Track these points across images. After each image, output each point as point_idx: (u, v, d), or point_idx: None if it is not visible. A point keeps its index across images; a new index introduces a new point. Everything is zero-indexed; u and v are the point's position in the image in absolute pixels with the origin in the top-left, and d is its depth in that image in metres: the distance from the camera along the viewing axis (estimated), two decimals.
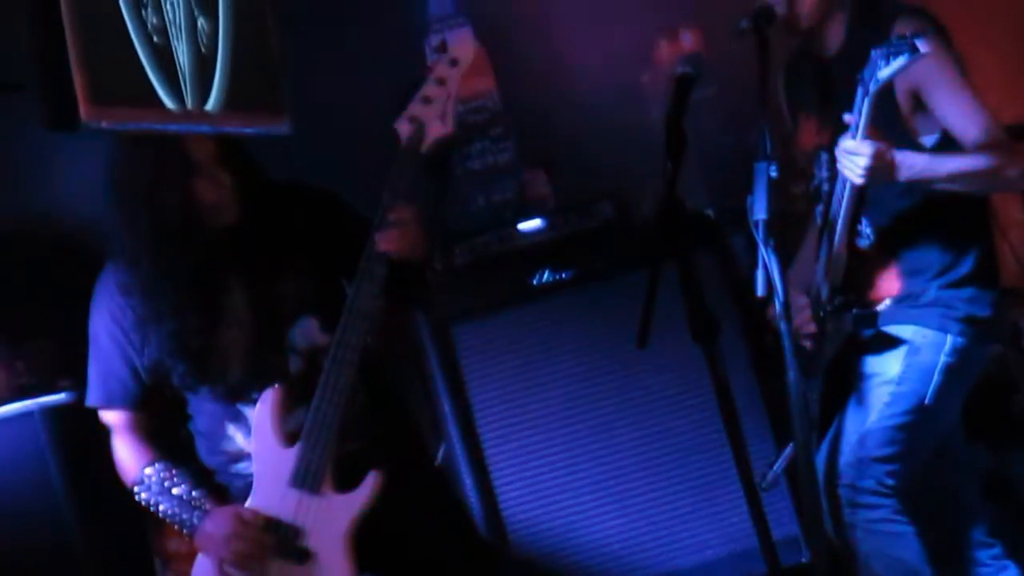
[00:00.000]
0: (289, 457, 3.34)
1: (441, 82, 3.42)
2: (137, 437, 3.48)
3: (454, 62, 3.45)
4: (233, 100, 3.49)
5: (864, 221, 3.56)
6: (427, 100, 3.41)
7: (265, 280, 3.42)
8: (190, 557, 3.48)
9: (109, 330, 3.44)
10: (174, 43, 3.32)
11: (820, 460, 3.64)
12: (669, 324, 3.34)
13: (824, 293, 3.63)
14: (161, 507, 3.41)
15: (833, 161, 3.43)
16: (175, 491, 3.41)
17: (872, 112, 3.27)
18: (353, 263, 3.34)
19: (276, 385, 3.39)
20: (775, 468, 4.07)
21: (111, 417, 3.51)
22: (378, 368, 3.53)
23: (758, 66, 3.40)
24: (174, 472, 3.43)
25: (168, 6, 3.32)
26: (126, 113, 3.13)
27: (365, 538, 3.33)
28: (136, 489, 3.45)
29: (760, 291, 3.27)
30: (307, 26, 4.74)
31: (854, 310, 3.59)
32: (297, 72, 3.78)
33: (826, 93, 3.62)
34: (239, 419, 3.44)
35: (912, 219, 3.54)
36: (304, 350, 3.43)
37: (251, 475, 3.41)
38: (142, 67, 3.19)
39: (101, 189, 3.38)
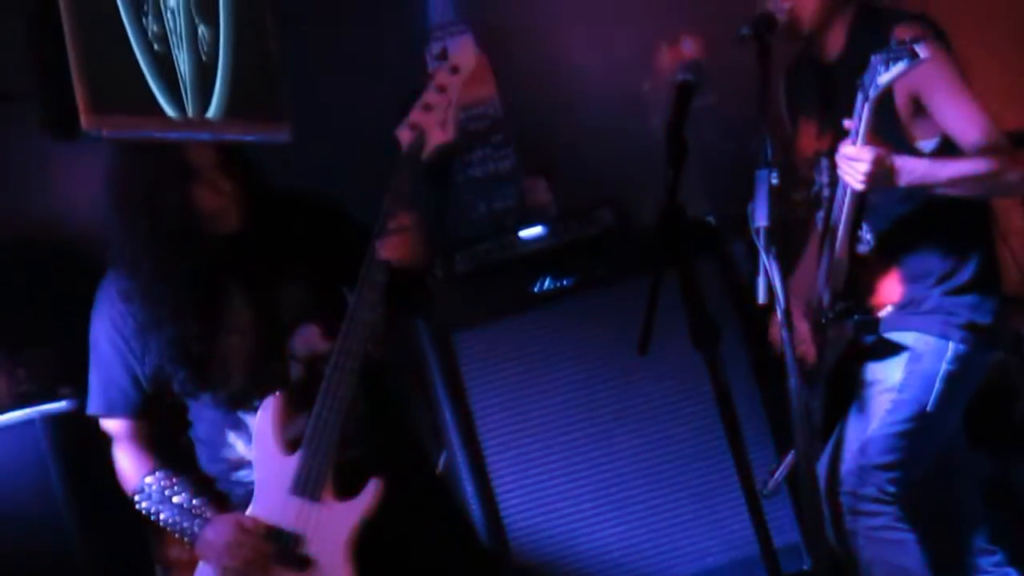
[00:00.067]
0: (290, 465, 3.34)
1: (442, 89, 3.42)
2: (138, 446, 3.48)
3: (455, 69, 3.45)
4: (234, 108, 3.50)
5: (865, 227, 3.55)
6: (428, 107, 3.41)
7: (266, 287, 3.42)
8: (191, 565, 3.48)
9: (110, 338, 3.44)
10: (175, 51, 3.32)
11: (821, 467, 3.64)
12: (670, 331, 3.33)
13: (825, 299, 3.62)
14: (162, 516, 3.41)
15: (833, 167, 3.43)
16: (176, 499, 3.41)
17: (872, 117, 3.27)
18: (354, 271, 3.34)
19: (277, 392, 3.39)
20: (776, 475, 4.07)
21: (112, 425, 3.51)
22: (379, 375, 3.53)
23: (759, 73, 3.40)
24: (175, 480, 3.43)
25: (169, 14, 3.33)
26: (127, 121, 3.14)
27: (366, 546, 3.33)
28: (137, 498, 3.45)
29: (761, 298, 3.27)
30: (307, 34, 4.74)
31: (855, 316, 3.59)
32: (297, 79, 3.78)
33: (826, 99, 3.62)
34: (240, 427, 3.43)
35: (913, 224, 3.54)
36: (305, 357, 3.43)
37: (252, 483, 3.41)
38: (143, 75, 3.19)
39: (101, 196, 3.38)
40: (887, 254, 3.58)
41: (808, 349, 3.67)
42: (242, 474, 3.45)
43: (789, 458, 3.99)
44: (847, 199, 3.45)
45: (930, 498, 3.66)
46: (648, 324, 3.23)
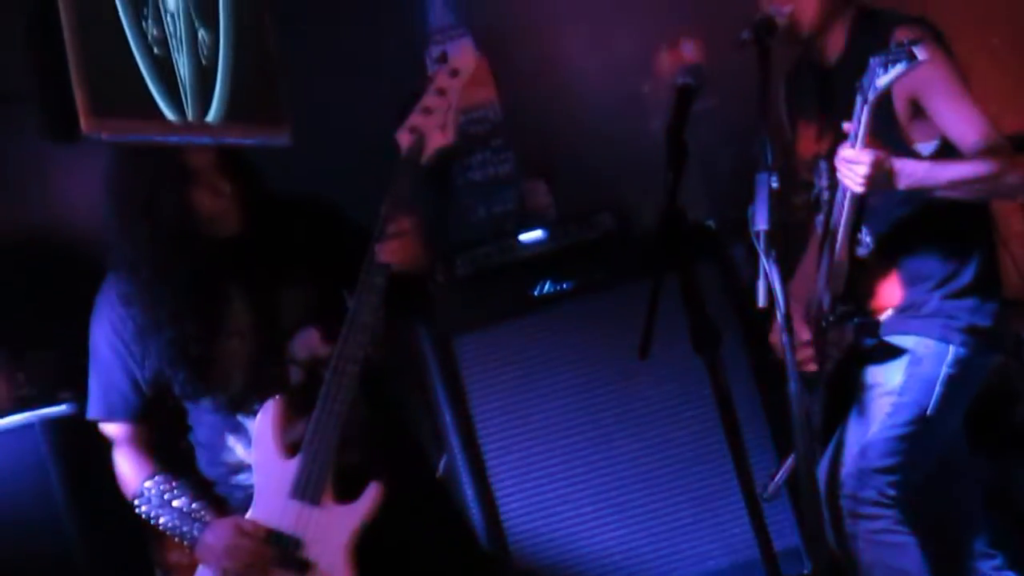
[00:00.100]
0: (290, 468, 3.34)
1: (442, 93, 3.42)
2: (137, 450, 3.48)
3: (455, 73, 3.45)
4: (234, 111, 3.50)
5: (864, 230, 3.55)
6: (428, 110, 3.41)
7: (266, 291, 3.42)
8: (191, 569, 3.48)
9: (110, 341, 3.44)
10: (175, 54, 3.32)
11: (821, 471, 3.64)
12: (670, 335, 3.33)
13: (826, 303, 3.62)
14: (161, 520, 3.41)
15: (833, 170, 3.43)
16: (175, 503, 3.40)
17: (871, 120, 3.27)
18: (354, 274, 3.33)
19: (277, 396, 3.39)
20: (776, 479, 4.07)
21: (112, 430, 3.50)
22: (379, 379, 3.52)
23: (759, 77, 3.40)
24: (174, 484, 3.43)
25: (168, 17, 3.32)
26: (126, 124, 3.13)
27: (366, 549, 3.33)
28: (136, 502, 3.44)
29: (761, 302, 3.26)
30: (306, 35, 4.74)
31: (856, 319, 3.59)
32: (297, 81, 3.78)
33: (826, 102, 3.62)
34: (239, 430, 3.43)
35: (912, 227, 3.54)
36: (305, 361, 3.43)
37: (251, 486, 3.40)
38: (142, 78, 3.19)
39: (101, 199, 3.38)
40: (887, 257, 3.58)
41: (808, 358, 3.66)
42: (242, 478, 3.45)
43: (789, 462, 3.99)
44: (847, 202, 3.45)
45: (930, 501, 3.66)
46: (648, 328, 3.23)
